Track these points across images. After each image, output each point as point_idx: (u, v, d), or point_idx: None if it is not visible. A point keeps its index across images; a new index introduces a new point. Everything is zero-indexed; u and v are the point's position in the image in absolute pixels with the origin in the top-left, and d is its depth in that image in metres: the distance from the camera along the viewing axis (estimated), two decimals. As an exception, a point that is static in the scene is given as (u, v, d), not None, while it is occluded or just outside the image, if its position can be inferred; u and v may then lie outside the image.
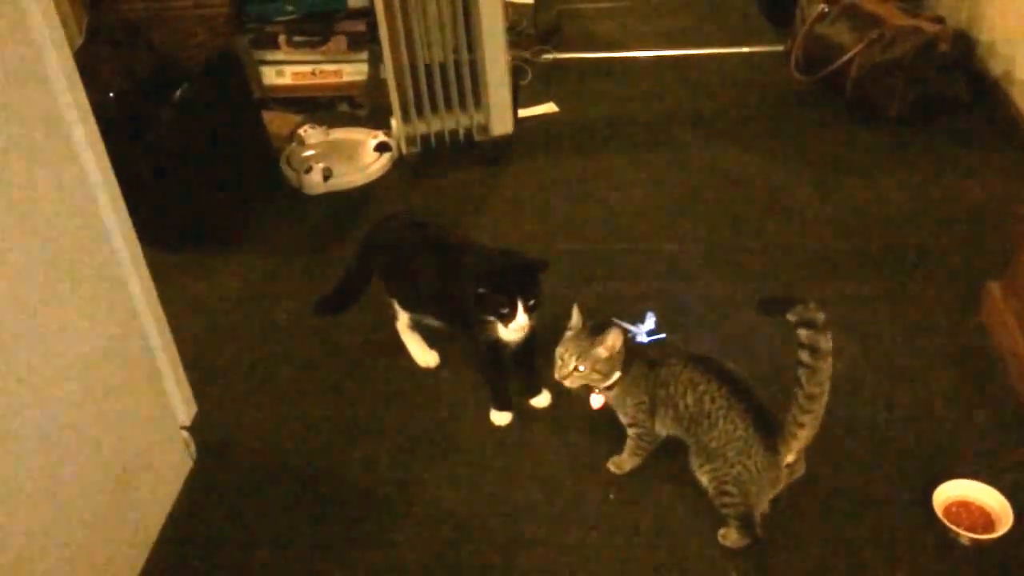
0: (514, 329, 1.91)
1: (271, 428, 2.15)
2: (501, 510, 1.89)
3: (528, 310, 1.89)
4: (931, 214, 2.75)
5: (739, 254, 2.62)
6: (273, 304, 2.57)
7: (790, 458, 1.66)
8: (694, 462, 1.76)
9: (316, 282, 2.56)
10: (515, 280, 1.90)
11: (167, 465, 1.97)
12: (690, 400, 1.72)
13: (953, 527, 1.73)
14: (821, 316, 1.58)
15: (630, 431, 1.87)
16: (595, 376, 1.75)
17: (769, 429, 1.65)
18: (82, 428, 1.65)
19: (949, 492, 1.80)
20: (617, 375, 1.77)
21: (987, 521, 1.76)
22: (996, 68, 3.32)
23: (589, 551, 1.79)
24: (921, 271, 2.50)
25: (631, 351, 1.79)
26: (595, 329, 1.74)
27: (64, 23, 1.63)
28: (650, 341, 2.26)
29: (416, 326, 2.27)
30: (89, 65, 1.75)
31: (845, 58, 3.26)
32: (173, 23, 3.29)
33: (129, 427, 1.81)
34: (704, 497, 1.85)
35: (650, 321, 2.31)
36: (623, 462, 1.92)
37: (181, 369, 2.02)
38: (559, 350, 1.77)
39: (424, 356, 2.27)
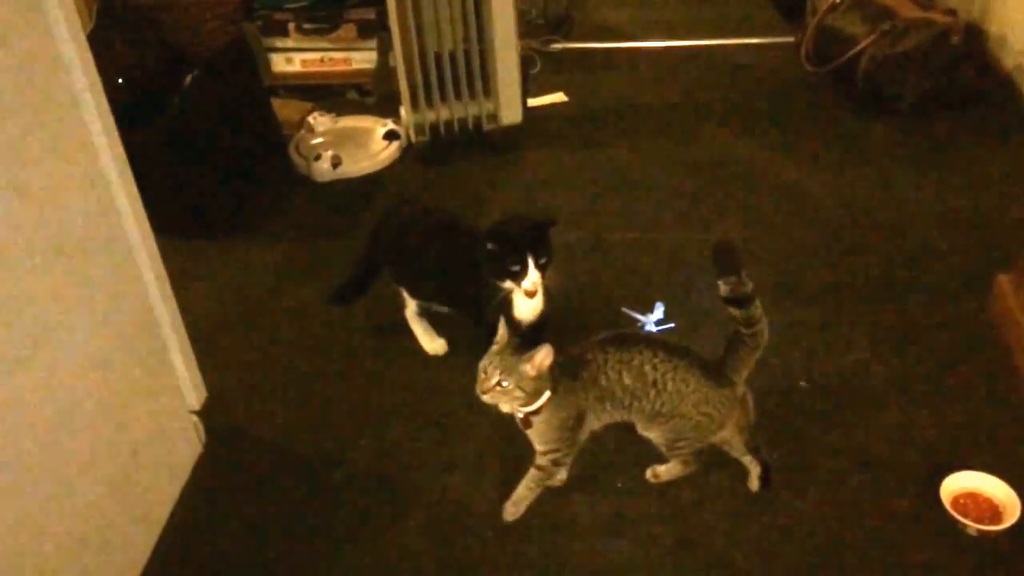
0: (527, 288, 1.88)
1: (279, 413, 2.16)
2: (509, 497, 1.89)
3: (540, 268, 1.87)
4: (941, 206, 2.74)
5: (748, 244, 2.62)
6: (283, 290, 2.58)
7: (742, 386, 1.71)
8: (643, 428, 1.76)
9: (325, 269, 2.57)
10: (524, 236, 1.88)
11: (176, 449, 1.98)
12: (628, 380, 1.68)
13: (960, 518, 1.73)
14: (750, 287, 1.61)
15: (544, 459, 1.76)
16: (518, 394, 1.62)
17: (715, 370, 1.69)
18: (93, 411, 1.66)
19: (957, 483, 1.80)
20: (547, 396, 1.65)
21: (994, 513, 1.76)
22: (1007, 60, 3.31)
23: (597, 538, 1.79)
24: (931, 263, 2.49)
25: (552, 369, 1.65)
26: (522, 346, 1.63)
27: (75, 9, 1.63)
28: (658, 331, 2.26)
29: (424, 313, 2.28)
30: (99, 52, 1.75)
31: (856, 50, 3.25)
32: (183, 10, 3.28)
33: (139, 411, 1.82)
34: (711, 485, 1.87)
35: (659, 311, 2.31)
36: (520, 501, 1.81)
37: (191, 354, 2.03)
38: (482, 363, 1.63)
39: (432, 343, 2.28)
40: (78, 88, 1.62)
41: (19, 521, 1.45)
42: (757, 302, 1.63)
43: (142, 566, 1.79)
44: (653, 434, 1.76)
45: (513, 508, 1.82)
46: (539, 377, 1.62)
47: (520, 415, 1.69)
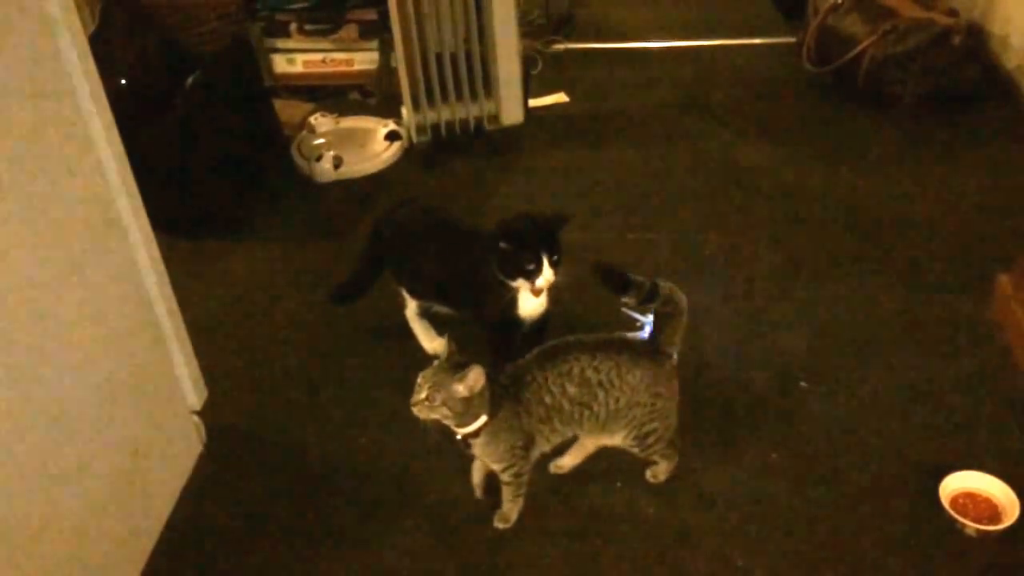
0: (540, 287, 1.88)
1: (280, 413, 2.16)
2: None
3: (553, 266, 1.87)
4: (942, 206, 2.74)
5: (750, 244, 2.62)
6: (283, 290, 2.58)
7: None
8: (603, 437, 1.77)
9: (326, 269, 2.58)
10: (538, 234, 1.88)
11: (177, 449, 1.98)
12: (573, 390, 1.67)
13: (959, 518, 1.73)
14: (648, 284, 1.67)
15: (505, 475, 1.74)
16: (447, 412, 1.59)
17: (651, 349, 1.71)
18: (94, 411, 1.66)
19: (956, 483, 1.80)
20: (483, 420, 1.63)
21: (993, 512, 1.76)
22: (1009, 61, 3.31)
23: (595, 539, 1.80)
24: (931, 262, 2.49)
25: (493, 392, 1.63)
26: (461, 365, 1.59)
27: (77, 9, 1.63)
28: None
29: (424, 313, 2.28)
30: (101, 52, 1.76)
31: (857, 50, 3.25)
32: (185, 10, 3.29)
33: (140, 411, 1.82)
34: (711, 484, 1.87)
35: (658, 311, 2.30)
36: (508, 513, 1.81)
37: (192, 354, 2.03)
38: (419, 378, 1.61)
39: (432, 343, 2.28)
40: (78, 89, 1.63)
41: (20, 520, 1.46)
42: (660, 283, 1.68)
43: (143, 565, 1.79)
44: (618, 438, 1.76)
45: (503, 523, 1.82)
46: (471, 398, 1.59)
47: (458, 436, 1.66)
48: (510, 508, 1.81)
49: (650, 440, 1.76)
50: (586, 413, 1.70)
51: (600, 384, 1.67)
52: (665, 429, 1.77)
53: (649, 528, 1.81)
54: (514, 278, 1.91)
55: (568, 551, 1.78)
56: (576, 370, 1.67)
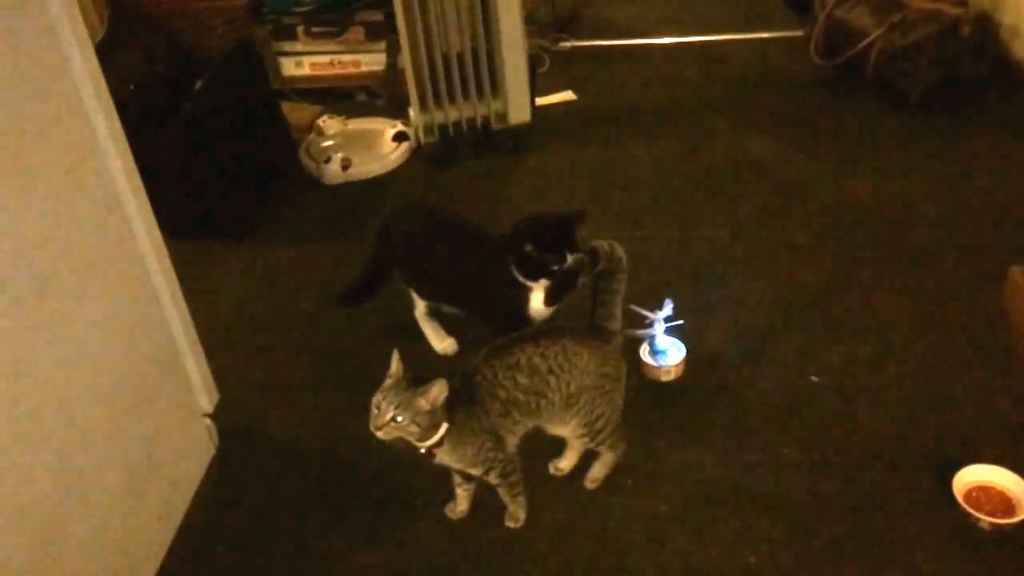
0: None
1: (292, 415, 2.17)
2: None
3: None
4: (952, 198, 2.72)
5: (760, 240, 2.62)
6: (294, 293, 2.59)
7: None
8: (560, 424, 1.77)
9: (336, 271, 2.59)
10: (560, 234, 1.89)
11: (190, 452, 1.99)
12: (524, 381, 1.66)
13: (973, 512, 1.72)
14: (584, 258, 1.71)
15: (491, 477, 1.73)
16: (413, 429, 1.56)
17: (594, 330, 1.73)
18: (106, 415, 1.68)
19: (969, 477, 1.79)
20: (444, 428, 1.61)
21: (1007, 506, 1.75)
22: (1019, 51, 3.28)
23: (607, 536, 1.80)
24: (943, 255, 2.48)
25: (448, 398, 1.59)
26: (416, 379, 1.57)
27: (85, 16, 1.64)
28: (667, 328, 2.26)
29: (434, 314, 2.29)
30: (110, 57, 1.78)
31: (866, 42, 3.23)
32: (193, 15, 3.32)
33: (152, 414, 1.83)
34: (720, 483, 1.87)
35: (668, 308, 2.30)
36: (515, 513, 1.82)
37: (203, 357, 2.04)
38: (375, 398, 1.57)
39: (442, 343, 2.28)
40: (85, 95, 1.64)
41: (36, 523, 1.47)
42: (594, 244, 1.69)
43: (157, 566, 1.81)
44: (570, 426, 1.76)
45: (513, 522, 1.82)
46: (434, 412, 1.58)
47: (422, 450, 1.64)
48: (515, 508, 1.81)
49: (599, 425, 1.75)
50: (542, 402, 1.70)
51: (550, 370, 1.68)
52: (612, 412, 1.77)
53: (661, 525, 1.80)
54: (536, 279, 1.92)
55: (580, 549, 1.78)
56: (524, 360, 1.67)
